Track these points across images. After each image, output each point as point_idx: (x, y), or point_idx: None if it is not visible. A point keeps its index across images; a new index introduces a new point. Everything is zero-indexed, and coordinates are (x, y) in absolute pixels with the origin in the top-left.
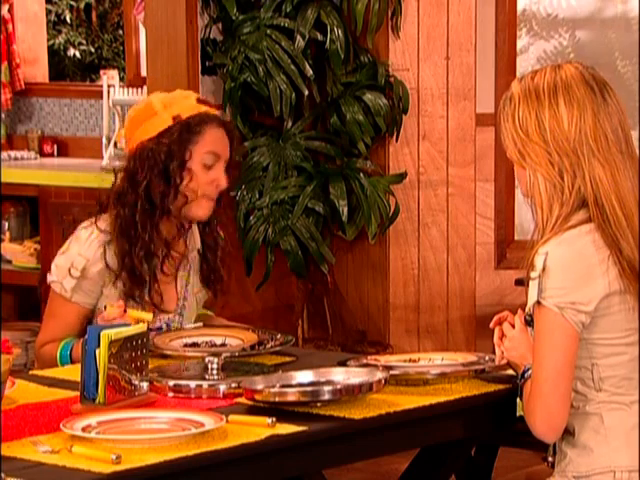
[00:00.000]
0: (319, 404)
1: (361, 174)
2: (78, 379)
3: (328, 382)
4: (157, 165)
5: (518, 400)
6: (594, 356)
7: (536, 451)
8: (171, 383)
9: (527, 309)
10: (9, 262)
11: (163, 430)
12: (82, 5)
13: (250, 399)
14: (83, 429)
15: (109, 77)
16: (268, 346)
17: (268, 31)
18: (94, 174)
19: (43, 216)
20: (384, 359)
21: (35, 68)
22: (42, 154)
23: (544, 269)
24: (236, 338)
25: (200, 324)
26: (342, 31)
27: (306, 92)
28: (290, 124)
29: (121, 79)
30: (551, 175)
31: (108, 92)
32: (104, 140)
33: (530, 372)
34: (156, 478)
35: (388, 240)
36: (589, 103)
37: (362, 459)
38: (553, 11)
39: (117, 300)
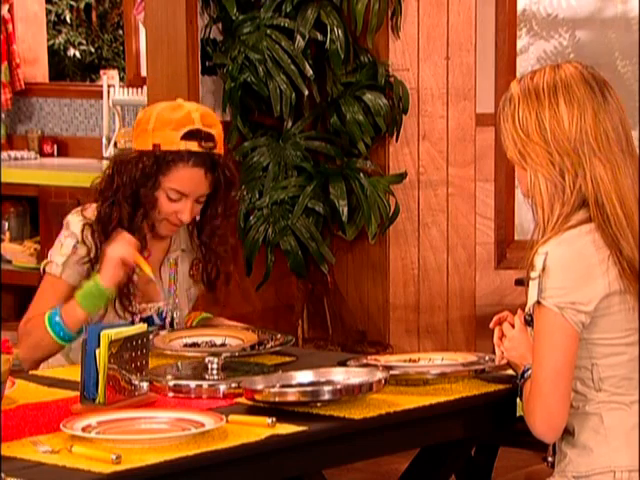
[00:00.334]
0: (319, 404)
1: (361, 174)
2: (78, 379)
3: (328, 382)
4: (130, 185)
5: (518, 400)
6: (594, 356)
7: (536, 451)
8: (171, 383)
9: (527, 309)
10: (9, 262)
11: (163, 430)
12: (82, 5)
13: (250, 399)
14: (83, 429)
15: (109, 77)
16: (268, 346)
17: (268, 31)
18: (94, 174)
19: (43, 216)
20: (384, 359)
21: (35, 68)
22: (42, 154)
23: (544, 269)
24: (236, 338)
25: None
26: (342, 31)
27: (306, 92)
28: (290, 124)
29: (121, 79)
30: (552, 175)
31: (108, 92)
32: (104, 140)
33: (530, 372)
34: (156, 478)
35: (388, 240)
36: (589, 102)
37: (362, 459)
38: (553, 11)
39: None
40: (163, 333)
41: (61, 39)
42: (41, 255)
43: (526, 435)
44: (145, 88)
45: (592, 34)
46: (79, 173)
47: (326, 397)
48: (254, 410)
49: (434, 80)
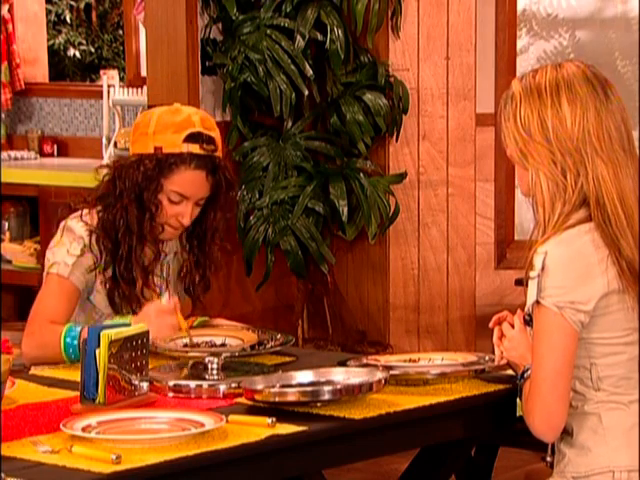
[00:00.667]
0: (319, 404)
1: (361, 174)
2: (78, 379)
3: (328, 382)
4: (134, 189)
5: (518, 400)
6: (593, 355)
7: (536, 451)
8: (171, 383)
9: (526, 308)
10: (9, 262)
11: (163, 430)
12: (82, 5)
13: (250, 399)
14: (83, 429)
15: (109, 77)
16: (268, 346)
17: (268, 31)
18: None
19: (43, 216)
20: (384, 359)
21: (35, 68)
22: (42, 154)
23: (543, 269)
24: (236, 338)
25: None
26: (342, 31)
27: (306, 92)
28: (290, 124)
29: (121, 79)
30: (554, 174)
31: (108, 92)
32: (104, 140)
33: (529, 372)
34: (156, 478)
35: (388, 240)
36: (592, 101)
37: (362, 459)
38: (553, 11)
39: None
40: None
41: (61, 39)
42: (41, 255)
43: (526, 435)
44: (145, 88)
45: (592, 34)
46: (79, 173)
47: (326, 397)
48: (254, 410)
49: (434, 80)
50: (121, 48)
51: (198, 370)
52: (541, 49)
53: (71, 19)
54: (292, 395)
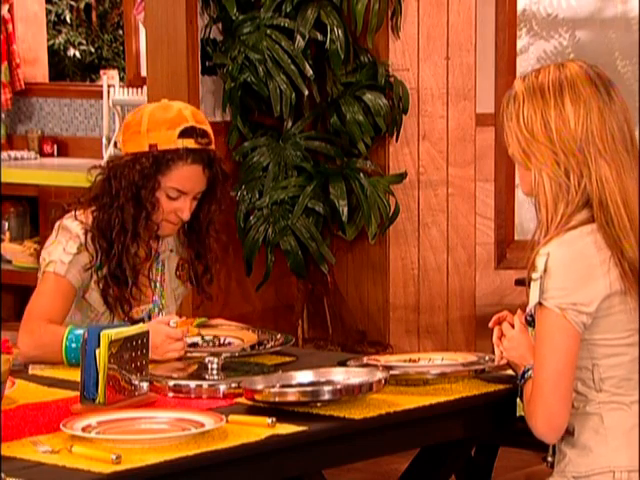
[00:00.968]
0: (319, 404)
1: (361, 174)
2: (78, 379)
3: (328, 382)
4: (130, 188)
5: (518, 400)
6: (595, 356)
7: (536, 451)
8: (171, 383)
9: (528, 310)
10: (9, 262)
11: (163, 430)
12: (82, 5)
13: (250, 399)
14: (83, 429)
15: (109, 77)
16: (268, 346)
17: (268, 31)
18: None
19: (43, 216)
20: (384, 359)
21: (35, 68)
22: (42, 154)
23: (545, 270)
24: (236, 338)
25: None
26: (342, 31)
27: (306, 92)
28: (290, 124)
29: (121, 79)
30: (557, 175)
31: (108, 92)
32: (104, 140)
33: (530, 373)
34: (156, 478)
35: (388, 240)
36: (595, 101)
37: (362, 459)
38: (553, 11)
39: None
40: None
41: (61, 39)
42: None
43: (526, 435)
44: (145, 88)
45: (592, 34)
46: (79, 173)
47: (326, 397)
48: (254, 410)
49: (434, 80)
50: (121, 48)
51: (198, 370)
52: (541, 49)
53: (71, 19)
54: (292, 395)
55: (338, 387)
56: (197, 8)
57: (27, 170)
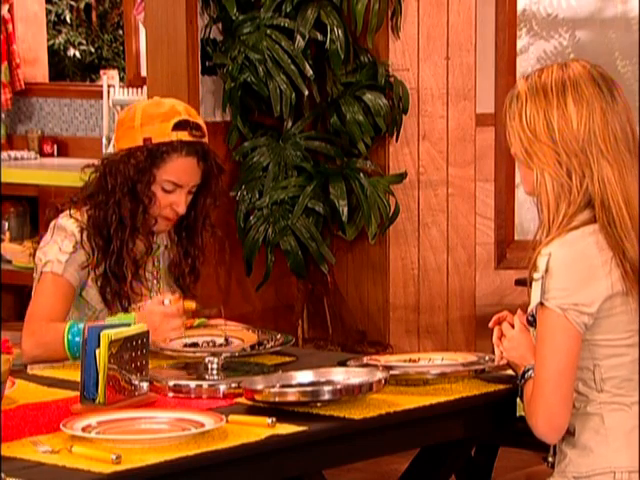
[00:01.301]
0: (319, 404)
1: (361, 174)
2: (78, 379)
3: (328, 382)
4: (126, 183)
5: (518, 400)
6: (596, 357)
7: (536, 451)
8: (171, 383)
9: (530, 310)
10: (9, 262)
11: (163, 430)
12: (82, 5)
13: (250, 399)
14: (83, 429)
15: (109, 77)
16: (268, 346)
17: (268, 31)
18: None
19: (43, 216)
20: (384, 359)
21: (35, 68)
22: (42, 154)
23: (547, 270)
24: (236, 338)
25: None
26: (342, 31)
27: (306, 92)
28: (290, 124)
29: (121, 79)
30: (559, 175)
31: (108, 92)
32: (104, 140)
33: (530, 373)
34: (156, 478)
35: (388, 240)
36: (597, 102)
37: (362, 459)
38: (553, 11)
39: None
40: None
41: (61, 39)
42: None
43: (526, 435)
44: (145, 88)
45: (592, 34)
46: (79, 173)
47: (326, 397)
48: (254, 410)
49: (434, 80)
50: (121, 48)
51: (198, 370)
52: (541, 49)
53: (71, 19)
54: (292, 395)
55: (338, 387)
56: (197, 8)
57: (27, 170)
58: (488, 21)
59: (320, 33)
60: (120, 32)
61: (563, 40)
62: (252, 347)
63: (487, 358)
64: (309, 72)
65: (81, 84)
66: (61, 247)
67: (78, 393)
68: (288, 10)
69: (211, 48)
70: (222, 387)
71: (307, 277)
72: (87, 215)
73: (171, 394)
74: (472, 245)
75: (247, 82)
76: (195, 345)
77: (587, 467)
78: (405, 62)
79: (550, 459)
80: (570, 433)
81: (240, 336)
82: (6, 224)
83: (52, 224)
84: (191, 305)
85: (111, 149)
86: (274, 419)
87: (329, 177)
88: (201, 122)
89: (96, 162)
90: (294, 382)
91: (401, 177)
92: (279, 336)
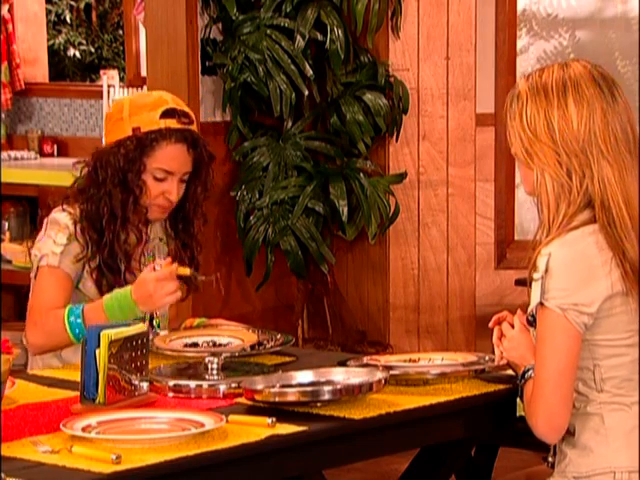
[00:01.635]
0: (319, 404)
1: (361, 174)
2: (78, 379)
3: (328, 382)
4: (117, 174)
5: (518, 400)
6: (596, 357)
7: (536, 451)
8: (171, 383)
9: (530, 310)
10: (9, 262)
11: (163, 430)
12: (82, 5)
13: (250, 399)
14: (83, 429)
15: (109, 77)
16: (268, 346)
17: (268, 31)
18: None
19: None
20: (384, 359)
21: (35, 68)
22: (42, 154)
23: (547, 270)
24: (236, 338)
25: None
26: (342, 31)
27: (306, 92)
28: (290, 124)
29: (121, 79)
30: (559, 175)
31: (108, 92)
32: (104, 140)
33: (530, 373)
34: (156, 478)
35: (388, 240)
36: (598, 102)
37: (362, 459)
38: (553, 11)
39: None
40: (163, 333)
41: (61, 39)
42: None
43: (526, 435)
44: (145, 88)
45: (592, 34)
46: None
47: (326, 397)
48: (254, 410)
49: (434, 80)
50: (121, 48)
51: (198, 370)
52: (541, 49)
53: (71, 19)
54: (292, 395)
55: (338, 387)
56: (197, 8)
57: (27, 170)
58: (488, 21)
59: (320, 33)
60: (120, 32)
61: (563, 40)
62: (252, 347)
63: (487, 358)
64: (309, 72)
65: (81, 84)
66: (55, 240)
67: (78, 393)
68: (288, 10)
69: (211, 48)
70: (222, 387)
71: (307, 277)
72: (80, 209)
73: (171, 394)
74: (472, 245)
75: (247, 82)
76: (195, 345)
77: (587, 467)
78: (405, 62)
79: (550, 459)
80: (570, 433)
81: (240, 336)
82: (6, 224)
83: (46, 220)
84: (185, 270)
85: None
86: (274, 419)
87: (329, 177)
88: (189, 110)
89: (87, 157)
90: (294, 382)
91: (401, 177)
92: (279, 336)
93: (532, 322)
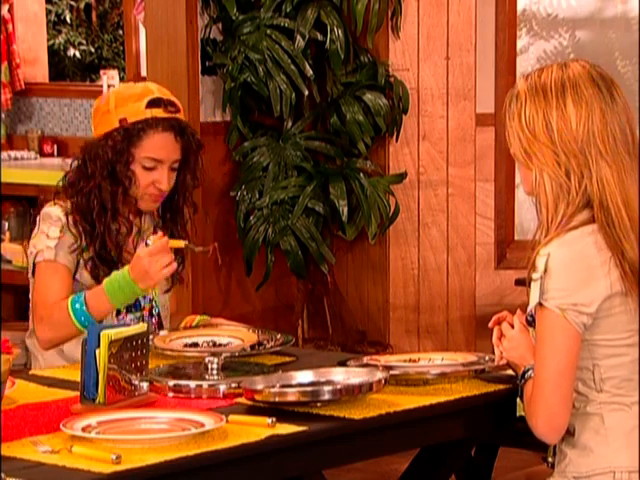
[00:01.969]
0: (319, 404)
1: (361, 174)
2: (78, 379)
3: (328, 382)
4: (106, 166)
5: (518, 400)
6: (595, 357)
7: (536, 451)
8: (171, 383)
9: (529, 310)
10: (9, 262)
11: (163, 430)
12: (82, 5)
13: (250, 399)
14: (83, 429)
15: (109, 77)
16: (268, 346)
17: (268, 31)
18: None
19: None
20: (384, 359)
21: (35, 68)
22: (42, 154)
23: (546, 270)
24: (236, 338)
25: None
26: (342, 31)
27: (306, 92)
28: (290, 124)
29: (121, 79)
30: (558, 175)
31: None
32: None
33: (530, 373)
34: (156, 478)
35: (388, 240)
36: (597, 102)
37: (362, 459)
38: (553, 11)
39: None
40: (163, 333)
41: (61, 39)
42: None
43: (526, 435)
44: None
45: (592, 34)
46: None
47: (326, 397)
48: (254, 410)
49: (434, 80)
50: (121, 48)
51: (198, 370)
52: (541, 49)
53: (71, 19)
54: (292, 395)
55: (338, 387)
56: (197, 8)
57: (27, 170)
58: (488, 21)
59: (320, 33)
60: (120, 32)
61: (563, 40)
62: (252, 347)
63: (487, 358)
64: (309, 72)
65: (81, 84)
66: (48, 234)
67: (78, 393)
68: (288, 10)
69: (211, 48)
70: (222, 387)
71: (307, 277)
72: (70, 202)
73: (171, 394)
74: (472, 245)
75: (247, 82)
76: (195, 345)
77: (587, 467)
78: (405, 62)
79: (550, 459)
80: (570, 433)
81: (240, 336)
82: (6, 224)
83: (38, 217)
84: (179, 243)
85: None
86: (274, 419)
87: (329, 177)
88: (175, 100)
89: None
90: (294, 382)
91: (401, 177)
92: (279, 336)
93: (531, 322)
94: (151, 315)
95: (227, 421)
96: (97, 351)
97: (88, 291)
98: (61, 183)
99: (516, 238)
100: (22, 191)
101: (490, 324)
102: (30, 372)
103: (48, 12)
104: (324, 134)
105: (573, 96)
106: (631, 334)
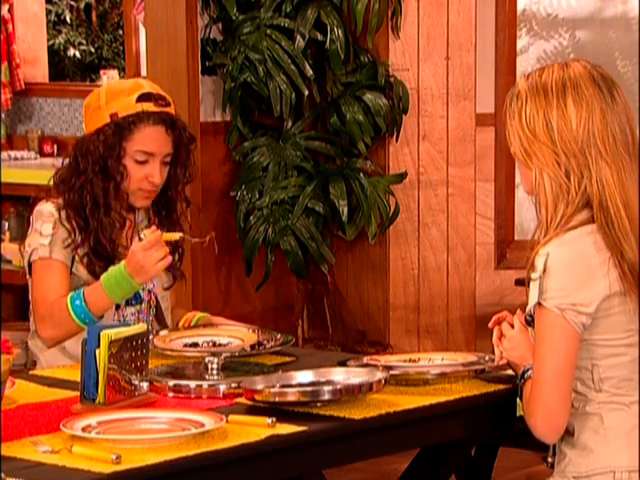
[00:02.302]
0: (319, 404)
1: (361, 174)
2: (78, 379)
3: (328, 382)
4: (97, 162)
5: (518, 400)
6: (594, 357)
7: (536, 451)
8: (171, 383)
9: (528, 310)
10: (9, 262)
11: (163, 430)
12: (82, 5)
13: (250, 399)
14: (83, 429)
15: (109, 77)
16: (268, 346)
17: (268, 31)
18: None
19: None
20: (384, 359)
21: (35, 68)
22: (42, 154)
23: (545, 270)
24: (236, 338)
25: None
26: (342, 31)
27: (306, 92)
28: (290, 124)
29: (121, 79)
30: (557, 175)
31: None
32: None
33: (530, 372)
34: (156, 478)
35: (388, 240)
36: (597, 103)
37: (362, 459)
38: (553, 11)
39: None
40: (163, 333)
41: (61, 39)
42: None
43: (526, 435)
44: None
45: (592, 34)
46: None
47: (326, 397)
48: (254, 410)
49: (434, 80)
50: (121, 48)
51: (198, 370)
52: (541, 49)
53: (71, 19)
54: (292, 395)
55: (338, 387)
56: (197, 8)
57: (27, 170)
58: (488, 21)
59: (320, 33)
60: (120, 32)
61: (563, 40)
62: (252, 347)
63: (487, 358)
64: (309, 72)
65: (81, 84)
66: (42, 232)
67: (78, 393)
68: (288, 10)
69: (211, 48)
70: (222, 387)
71: (307, 277)
72: (63, 199)
73: (171, 394)
74: (472, 245)
75: (247, 82)
76: (195, 345)
77: (587, 467)
78: (405, 62)
79: (550, 459)
80: (569, 433)
81: (240, 336)
82: (6, 224)
83: (32, 217)
84: (173, 235)
85: None
86: (274, 419)
87: (329, 177)
88: (165, 94)
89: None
90: (294, 382)
91: (401, 177)
92: (279, 336)
93: (530, 322)
94: (150, 307)
95: (227, 421)
96: (97, 351)
97: (87, 287)
98: (52, 181)
99: (516, 238)
100: (22, 191)
101: (490, 324)
102: (30, 372)
103: (48, 12)
104: (324, 134)
105: (574, 96)
106: (630, 334)
